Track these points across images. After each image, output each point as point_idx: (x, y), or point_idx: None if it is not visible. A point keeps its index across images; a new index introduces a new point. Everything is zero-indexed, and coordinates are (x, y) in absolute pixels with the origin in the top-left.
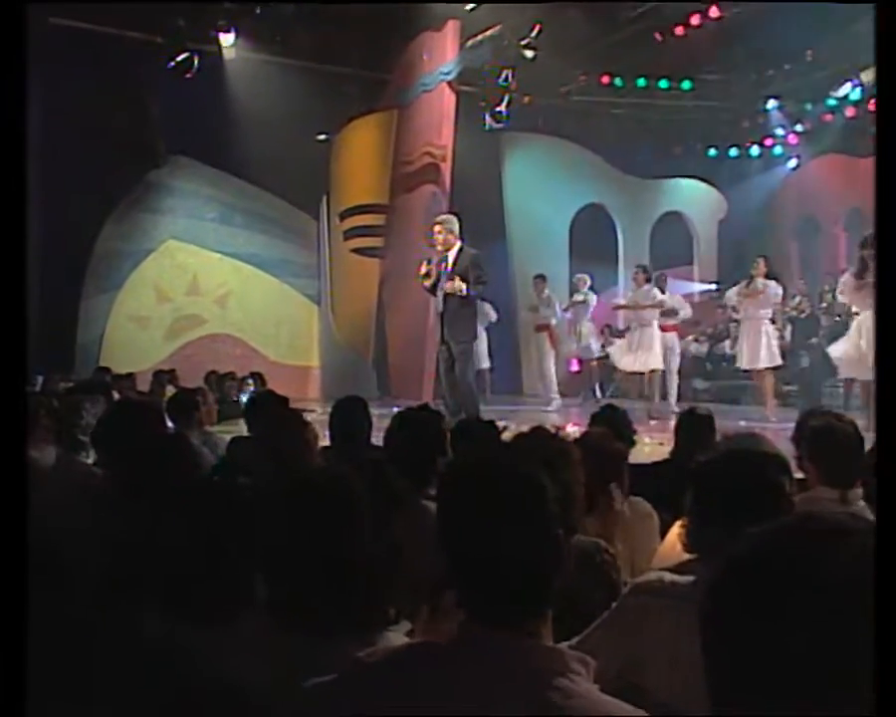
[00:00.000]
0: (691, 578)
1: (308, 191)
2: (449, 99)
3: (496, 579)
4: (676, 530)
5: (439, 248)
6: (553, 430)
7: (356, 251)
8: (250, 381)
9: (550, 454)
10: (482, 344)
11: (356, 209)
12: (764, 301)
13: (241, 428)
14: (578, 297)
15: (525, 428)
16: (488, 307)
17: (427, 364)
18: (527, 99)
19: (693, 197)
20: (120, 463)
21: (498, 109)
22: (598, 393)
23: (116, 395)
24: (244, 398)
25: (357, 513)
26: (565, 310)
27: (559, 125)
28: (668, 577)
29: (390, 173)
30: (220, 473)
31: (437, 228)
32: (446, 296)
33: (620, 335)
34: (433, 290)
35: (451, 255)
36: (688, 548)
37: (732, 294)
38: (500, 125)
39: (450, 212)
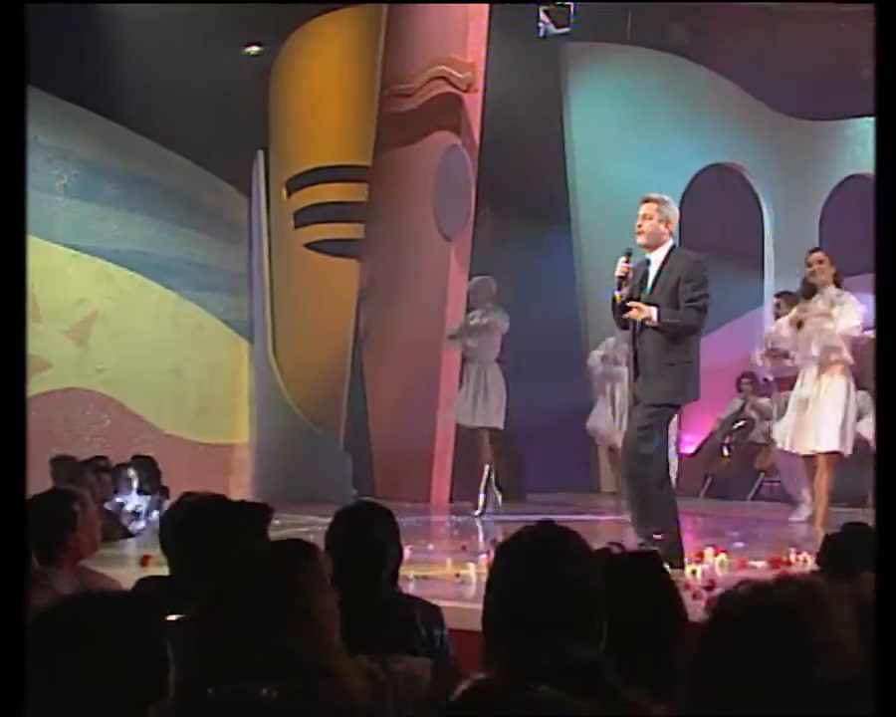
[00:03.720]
0: None
1: (230, 146)
2: None
3: None
4: None
5: (641, 240)
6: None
7: (315, 247)
8: (131, 473)
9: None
10: (492, 396)
11: (315, 175)
12: (829, 332)
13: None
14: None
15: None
16: (499, 319)
17: (441, 444)
18: None
19: None
20: None
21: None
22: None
23: None
24: (134, 504)
25: None
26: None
27: (662, 33)
28: None
29: (375, 113)
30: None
31: (645, 207)
32: (642, 326)
33: (767, 391)
34: (623, 310)
35: (658, 256)
36: None
37: (783, 324)
38: (563, 30)
39: None
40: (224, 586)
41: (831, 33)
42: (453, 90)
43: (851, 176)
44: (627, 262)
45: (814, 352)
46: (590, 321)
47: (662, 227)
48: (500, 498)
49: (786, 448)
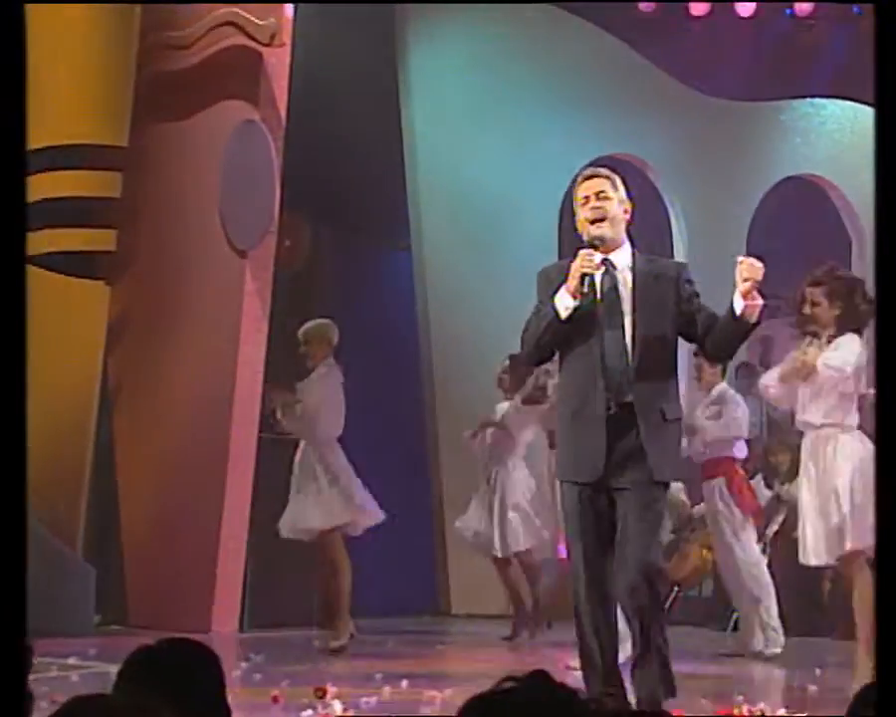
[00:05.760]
0: None
1: None
2: None
3: None
4: None
5: (601, 230)
6: None
7: (43, 262)
8: None
9: None
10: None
11: (42, 158)
12: (831, 388)
13: None
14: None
15: None
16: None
17: (229, 551)
18: None
19: (848, 144)
20: None
21: None
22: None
23: None
24: None
25: None
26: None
27: None
28: None
29: (132, 71)
30: None
31: (595, 184)
32: (643, 359)
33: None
34: (557, 327)
35: (624, 258)
36: None
37: (772, 377)
38: None
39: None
40: None
41: None
42: (249, 42)
43: (789, 178)
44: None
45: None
46: (439, 372)
47: (622, 212)
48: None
49: (817, 561)
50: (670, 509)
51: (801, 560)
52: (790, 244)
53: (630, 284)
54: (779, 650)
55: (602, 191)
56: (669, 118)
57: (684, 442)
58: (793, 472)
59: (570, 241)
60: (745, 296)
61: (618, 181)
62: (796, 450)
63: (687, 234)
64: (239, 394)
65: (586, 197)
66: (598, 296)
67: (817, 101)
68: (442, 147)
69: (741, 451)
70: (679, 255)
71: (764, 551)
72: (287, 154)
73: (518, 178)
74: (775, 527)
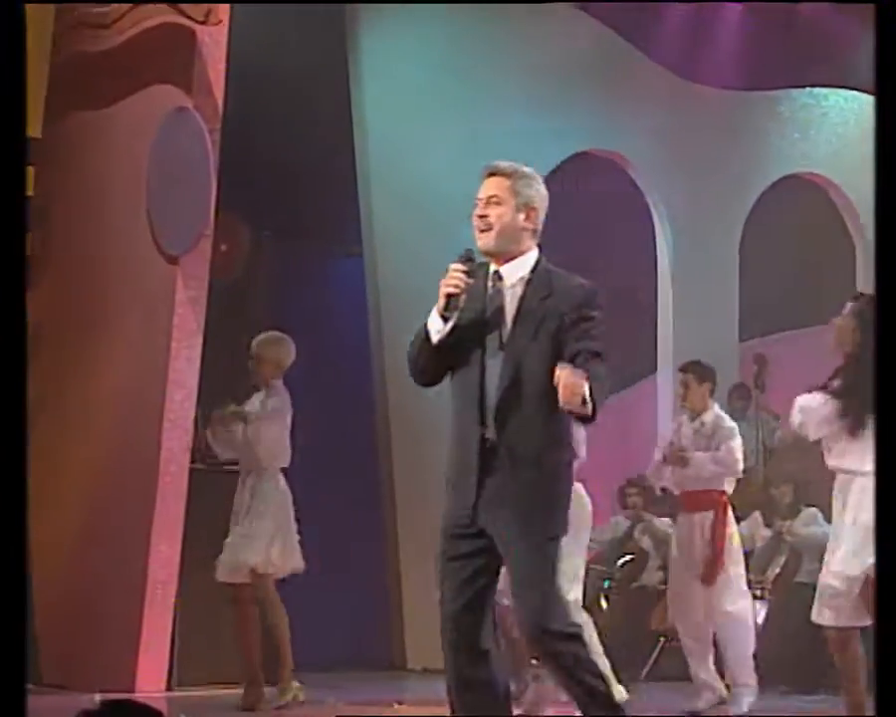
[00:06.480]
0: None
1: None
2: None
3: None
4: None
5: (486, 241)
6: None
7: None
8: None
9: None
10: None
11: None
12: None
13: None
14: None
15: None
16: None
17: (156, 600)
18: None
19: (853, 138)
20: None
21: None
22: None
23: None
24: None
25: None
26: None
27: None
28: None
29: (46, 53)
30: None
31: (492, 185)
32: (510, 390)
33: (664, 507)
34: (436, 349)
35: (516, 270)
36: None
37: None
38: None
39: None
40: None
41: None
42: (181, 19)
43: (788, 176)
44: (467, 272)
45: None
46: (394, 393)
47: (521, 219)
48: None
49: (844, 623)
50: (658, 546)
51: (816, 618)
52: (788, 249)
53: (516, 302)
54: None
55: (494, 196)
56: (652, 108)
57: (667, 471)
58: (796, 508)
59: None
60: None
61: (526, 181)
62: (800, 483)
63: (673, 239)
64: (169, 417)
65: (478, 201)
66: (486, 314)
67: (818, 90)
68: (397, 142)
69: (730, 484)
70: (664, 263)
71: (758, 596)
72: (224, 147)
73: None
74: (776, 569)
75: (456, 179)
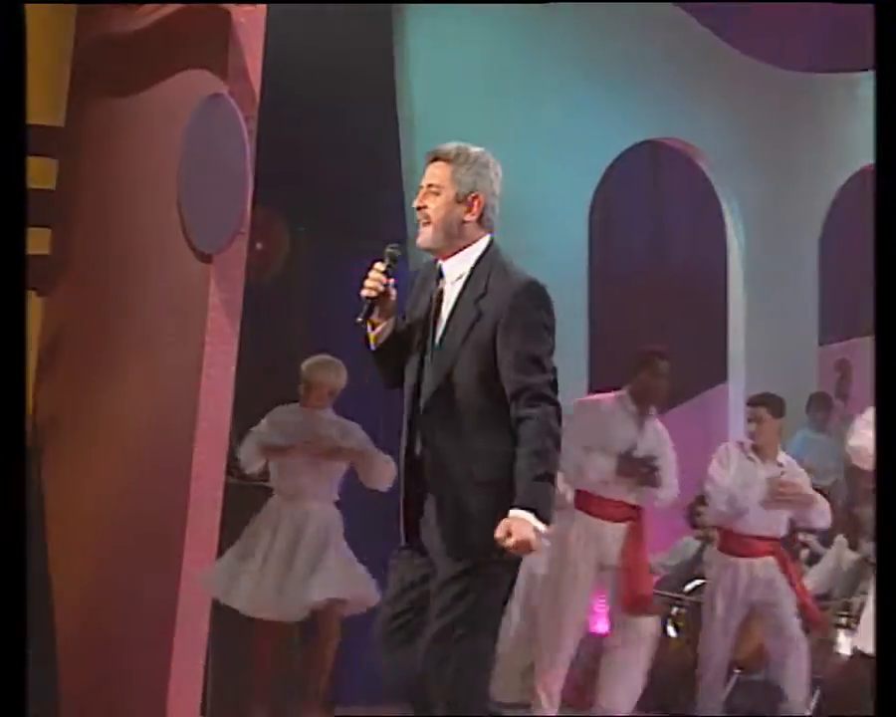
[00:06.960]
0: None
1: None
2: None
3: None
4: None
5: (424, 237)
6: None
7: None
8: None
9: None
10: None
11: None
12: None
13: None
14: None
15: None
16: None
17: (190, 638)
18: None
19: None
20: None
21: None
22: None
23: None
24: None
25: None
26: None
27: None
28: None
29: (70, 36)
30: None
31: (433, 172)
32: (437, 393)
33: None
34: (380, 357)
35: (457, 266)
36: None
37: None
38: None
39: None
40: None
41: None
42: (215, 8)
43: (871, 166)
44: (386, 272)
45: None
46: None
47: (462, 211)
48: None
49: None
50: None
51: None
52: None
53: (451, 303)
54: None
55: (433, 185)
56: (725, 94)
57: (722, 507)
58: None
59: (604, 238)
60: None
61: (469, 166)
62: None
63: (745, 236)
64: (203, 429)
65: (419, 189)
66: (429, 315)
67: None
68: (447, 133)
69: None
70: (734, 261)
71: (844, 625)
72: (261, 138)
73: (540, 170)
74: (863, 597)
75: (515, 173)
